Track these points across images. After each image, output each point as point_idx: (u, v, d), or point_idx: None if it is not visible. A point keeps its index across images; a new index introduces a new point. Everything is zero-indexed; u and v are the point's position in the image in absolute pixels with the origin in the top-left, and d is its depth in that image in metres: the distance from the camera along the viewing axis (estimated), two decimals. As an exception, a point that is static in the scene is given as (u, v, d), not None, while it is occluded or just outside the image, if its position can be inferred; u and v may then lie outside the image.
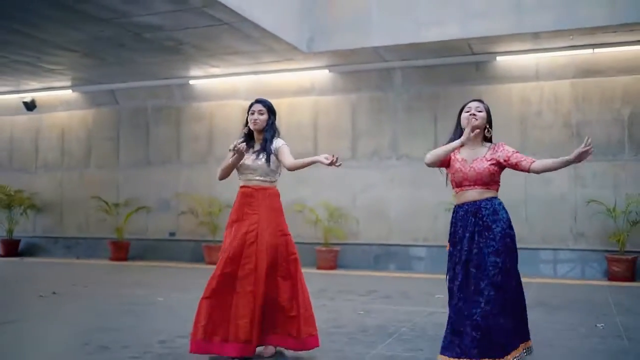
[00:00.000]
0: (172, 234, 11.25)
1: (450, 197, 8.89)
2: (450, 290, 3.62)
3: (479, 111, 3.66)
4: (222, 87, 10.94)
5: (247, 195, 4.06)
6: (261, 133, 4.12)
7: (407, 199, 9.79)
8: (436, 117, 9.71)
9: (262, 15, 7.79)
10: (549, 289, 7.53)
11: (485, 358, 3.38)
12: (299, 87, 10.47)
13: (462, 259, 3.54)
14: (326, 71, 10.13)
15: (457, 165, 3.63)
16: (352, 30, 8.95)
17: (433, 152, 3.62)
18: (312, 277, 8.79)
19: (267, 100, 4.19)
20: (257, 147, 4.14)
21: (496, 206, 3.59)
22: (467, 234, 3.56)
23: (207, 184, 10.93)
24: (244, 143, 3.99)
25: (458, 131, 3.71)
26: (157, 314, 5.85)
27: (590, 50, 8.73)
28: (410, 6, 8.62)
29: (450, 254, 3.64)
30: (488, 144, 3.72)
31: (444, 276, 3.72)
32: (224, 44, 8.67)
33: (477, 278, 3.48)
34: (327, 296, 6.97)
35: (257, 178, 4.09)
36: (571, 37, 8.27)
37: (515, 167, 3.62)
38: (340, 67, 10.07)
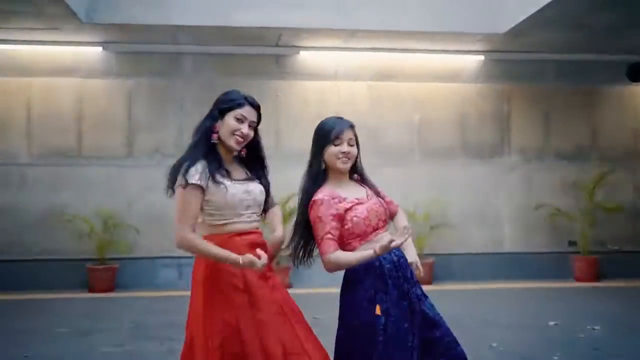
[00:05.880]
0: None
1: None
2: None
3: (351, 145, 2.80)
4: (-57, 55, 8.16)
5: (255, 246, 2.63)
6: (237, 149, 2.75)
7: (195, 204, 8.57)
8: (230, 112, 8.67)
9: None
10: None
11: None
12: (59, 65, 8.33)
13: (415, 323, 2.69)
14: (99, 49, 8.24)
15: (363, 206, 2.74)
16: (144, 2, 7.40)
17: (341, 262, 2.65)
18: (98, 304, 7.11)
19: (260, 106, 2.80)
20: (236, 168, 2.77)
21: None
22: (407, 287, 2.72)
23: None
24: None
25: (317, 164, 2.79)
26: None
27: (390, 54, 8.72)
28: (220, -16, 7.46)
29: (396, 318, 2.62)
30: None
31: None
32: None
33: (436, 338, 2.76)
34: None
35: (257, 218, 2.77)
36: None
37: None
38: (117, 45, 8.30)
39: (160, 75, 8.55)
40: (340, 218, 2.68)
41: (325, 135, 2.78)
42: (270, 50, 8.58)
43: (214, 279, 2.59)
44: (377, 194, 2.88)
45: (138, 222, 8.32)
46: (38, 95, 8.34)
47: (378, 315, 2.59)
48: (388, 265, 2.67)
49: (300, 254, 2.87)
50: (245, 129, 2.69)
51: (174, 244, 2.67)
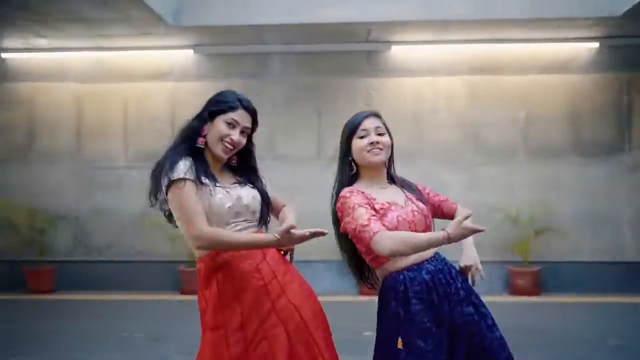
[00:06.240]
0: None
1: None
2: None
3: (381, 134, 2.35)
4: (48, 65, 8.50)
5: (248, 258, 2.35)
6: (224, 158, 2.47)
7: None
8: (320, 112, 8.41)
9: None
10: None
11: None
12: (154, 70, 8.47)
13: (462, 350, 2.22)
14: (190, 52, 8.29)
15: (394, 213, 2.27)
16: (228, 3, 7.31)
17: (404, 239, 2.15)
18: (185, 307, 7.12)
19: (256, 111, 2.50)
20: (224, 174, 2.48)
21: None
22: (449, 309, 2.24)
23: (26, 189, 8.48)
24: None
25: (346, 163, 2.43)
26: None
27: (489, 46, 8.07)
28: (304, -20, 7.22)
29: (421, 352, 2.15)
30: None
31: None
32: (66, 6, 6.47)
33: None
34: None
35: (249, 225, 2.44)
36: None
37: (441, 214, 2.54)
38: (207, 47, 8.31)
39: (249, 77, 8.45)
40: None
41: (348, 129, 2.41)
42: (360, 46, 8.22)
43: (219, 304, 2.32)
44: (420, 198, 2.43)
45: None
46: (133, 99, 8.52)
47: (399, 348, 2.16)
48: (416, 287, 2.22)
49: (367, 275, 2.48)
50: (235, 135, 2.38)
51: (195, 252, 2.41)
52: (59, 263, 8.30)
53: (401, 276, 2.24)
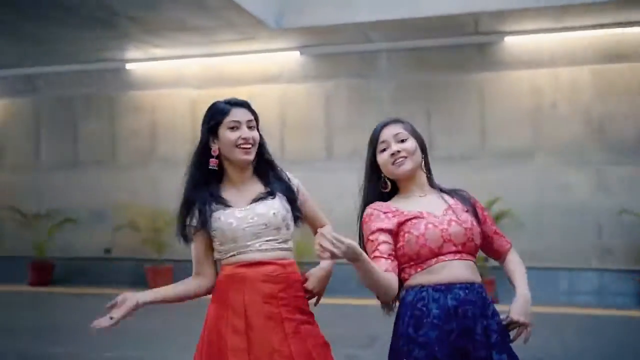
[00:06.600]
0: (107, 251, 9.24)
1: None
2: None
3: (402, 140, 2.04)
4: (166, 72, 8.97)
5: (271, 279, 2.17)
6: (250, 159, 2.27)
7: (394, 209, 8.16)
8: (429, 111, 8.06)
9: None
10: (574, 324, 6.00)
11: None
12: (263, 73, 8.61)
13: None
14: (297, 53, 8.32)
15: (423, 221, 1.98)
16: (330, 3, 7.21)
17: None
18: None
19: (248, 102, 2.31)
20: (249, 186, 2.30)
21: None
22: (469, 347, 1.91)
23: (149, 191, 8.99)
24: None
25: (374, 179, 2.16)
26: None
27: (618, 30, 7.28)
28: (406, -27, 6.95)
29: None
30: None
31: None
32: (170, 16, 6.74)
33: None
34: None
35: (278, 245, 2.23)
36: None
37: (489, 247, 2.16)
38: (313, 48, 8.29)
39: (356, 76, 8.32)
40: (394, 234, 2.01)
41: (370, 143, 2.15)
42: (470, 39, 7.77)
43: (215, 322, 2.17)
44: (470, 211, 2.08)
45: (337, 227, 8.17)
46: (245, 103, 8.71)
47: None
48: (435, 311, 1.92)
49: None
50: (245, 132, 2.20)
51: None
52: (176, 262, 8.69)
53: (424, 292, 1.96)
